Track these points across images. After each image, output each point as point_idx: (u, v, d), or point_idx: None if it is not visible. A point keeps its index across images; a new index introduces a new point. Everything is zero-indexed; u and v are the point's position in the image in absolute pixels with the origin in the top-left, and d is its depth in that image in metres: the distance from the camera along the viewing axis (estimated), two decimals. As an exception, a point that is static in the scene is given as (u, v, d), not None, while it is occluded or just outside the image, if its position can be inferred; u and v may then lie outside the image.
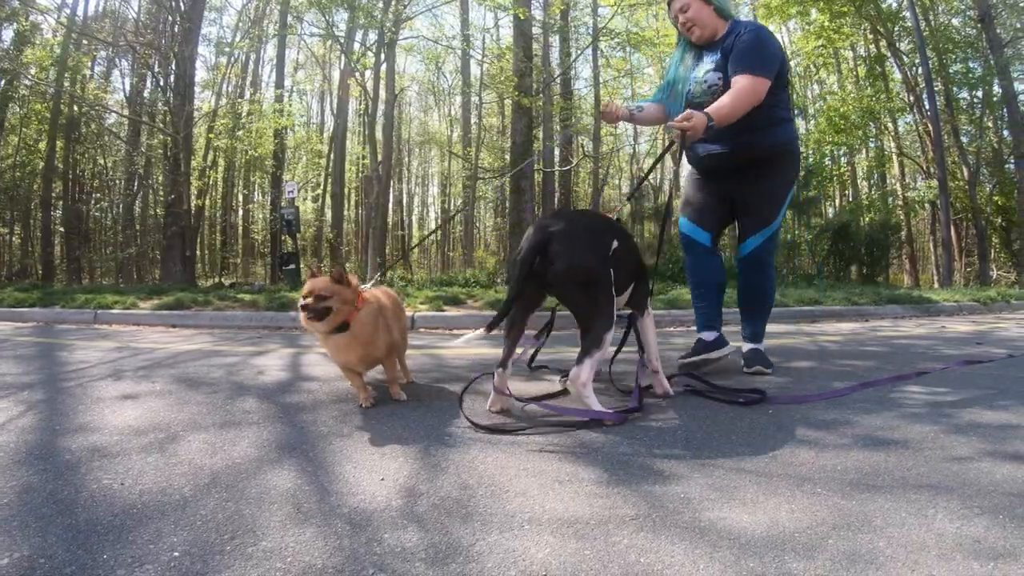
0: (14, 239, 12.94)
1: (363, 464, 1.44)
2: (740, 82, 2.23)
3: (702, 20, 2.41)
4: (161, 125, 9.21)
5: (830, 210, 14.03)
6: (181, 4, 9.55)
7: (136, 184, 12.14)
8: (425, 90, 23.68)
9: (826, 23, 12.75)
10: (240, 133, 11.21)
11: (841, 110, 13.18)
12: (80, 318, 5.74)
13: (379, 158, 8.87)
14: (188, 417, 1.91)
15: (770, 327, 2.98)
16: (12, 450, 1.56)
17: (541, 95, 9.93)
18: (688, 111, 2.10)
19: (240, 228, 18.47)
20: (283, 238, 11.53)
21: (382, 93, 9.63)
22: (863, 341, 4.01)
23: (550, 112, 11.93)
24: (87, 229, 12.77)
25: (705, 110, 2.13)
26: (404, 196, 25.71)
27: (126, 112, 11.76)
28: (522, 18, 8.21)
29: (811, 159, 13.24)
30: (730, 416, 1.88)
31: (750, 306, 2.65)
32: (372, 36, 9.42)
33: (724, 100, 2.19)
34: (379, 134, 9.37)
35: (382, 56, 8.31)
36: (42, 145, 12.09)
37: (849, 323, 5.30)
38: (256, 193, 18.30)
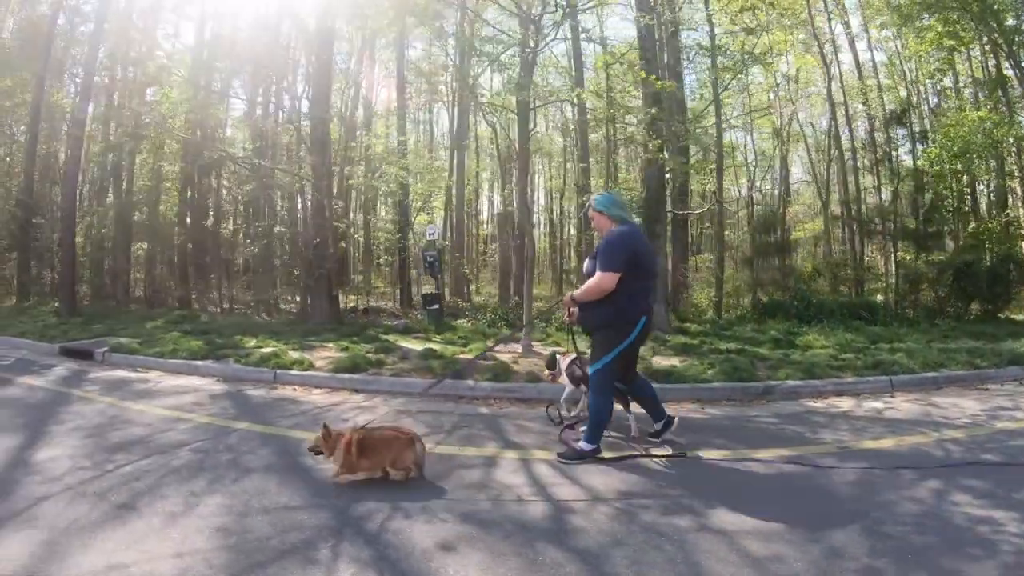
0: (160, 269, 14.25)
1: None
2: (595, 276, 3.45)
3: (599, 225, 3.73)
4: (294, 172, 9.98)
5: (949, 243, 13.28)
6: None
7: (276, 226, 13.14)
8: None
9: (940, 28, 12.15)
10: (377, 176, 11.98)
11: (959, 133, 12.53)
12: (259, 377, 6.16)
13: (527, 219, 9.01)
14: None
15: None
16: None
17: (670, 150, 9.92)
18: (566, 294, 3.82)
19: (360, 244, 19.12)
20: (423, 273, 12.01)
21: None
22: (983, 441, 3.92)
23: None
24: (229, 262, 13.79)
25: (573, 295, 3.67)
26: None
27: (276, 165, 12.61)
28: (659, 87, 8.32)
29: (929, 193, 12.82)
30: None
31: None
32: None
33: (582, 287, 3.55)
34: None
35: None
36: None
37: (970, 398, 5.21)
38: (379, 209, 19.03)
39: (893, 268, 13.22)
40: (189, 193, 13.62)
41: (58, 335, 8.98)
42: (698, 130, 12.92)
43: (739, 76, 12.08)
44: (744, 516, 2.72)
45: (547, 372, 4.76)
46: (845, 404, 5.03)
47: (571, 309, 3.75)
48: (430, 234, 10.01)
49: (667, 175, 10.61)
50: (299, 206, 12.50)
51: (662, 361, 6.41)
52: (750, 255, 15.32)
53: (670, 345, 7.63)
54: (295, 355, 6.82)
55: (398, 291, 15.77)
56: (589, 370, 3.58)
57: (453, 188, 16.50)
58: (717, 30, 14.20)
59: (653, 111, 8.85)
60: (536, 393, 5.29)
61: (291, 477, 3.29)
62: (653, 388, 3.98)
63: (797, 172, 21.24)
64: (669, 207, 12.09)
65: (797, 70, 16.79)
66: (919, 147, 13.80)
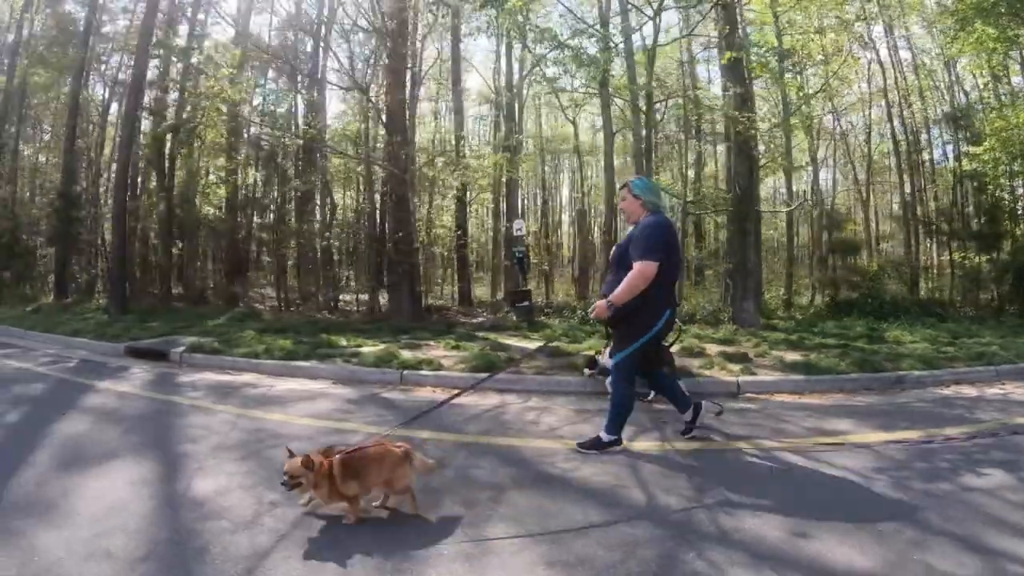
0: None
1: None
2: (634, 267, 3.16)
3: (630, 210, 3.42)
4: (386, 164, 9.20)
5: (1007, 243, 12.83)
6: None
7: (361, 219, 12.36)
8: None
9: (992, 31, 11.62)
10: (458, 171, 11.20)
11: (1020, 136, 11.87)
12: (384, 379, 5.46)
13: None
14: None
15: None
16: None
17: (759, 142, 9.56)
18: (597, 303, 3.31)
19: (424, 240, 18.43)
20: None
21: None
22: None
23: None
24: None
25: (608, 297, 3.21)
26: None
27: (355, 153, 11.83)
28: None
29: (988, 194, 12.74)
30: None
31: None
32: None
33: (620, 286, 3.18)
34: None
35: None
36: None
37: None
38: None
39: (950, 268, 13.37)
40: (241, 186, 12.84)
41: (118, 334, 8.17)
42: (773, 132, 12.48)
43: (812, 95, 11.92)
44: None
45: (587, 371, 4.79)
46: (969, 391, 5.03)
47: (595, 314, 3.38)
48: (517, 229, 9.29)
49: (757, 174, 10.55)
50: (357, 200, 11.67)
51: (786, 355, 6.15)
52: (823, 254, 14.94)
53: (771, 340, 7.28)
54: (408, 355, 6.10)
55: (455, 288, 14.92)
56: (611, 361, 3.45)
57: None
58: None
59: (748, 116, 8.81)
60: (693, 388, 4.90)
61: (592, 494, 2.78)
62: (677, 379, 3.86)
63: (826, 173, 20.81)
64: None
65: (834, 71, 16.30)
66: (972, 148, 13.13)
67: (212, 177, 14.24)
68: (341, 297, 12.48)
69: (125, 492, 2.76)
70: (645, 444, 3.56)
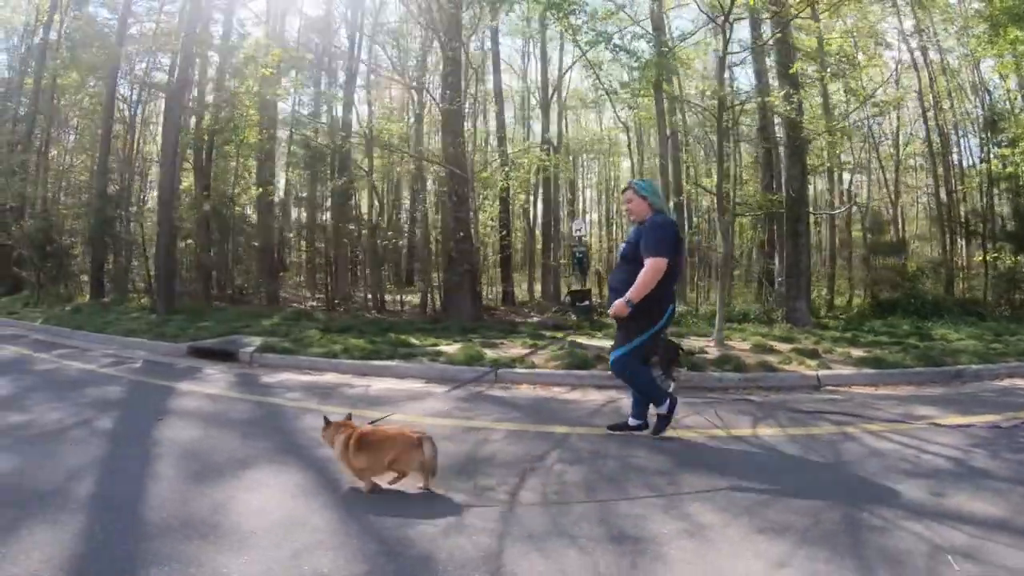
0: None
1: None
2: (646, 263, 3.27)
3: (637, 209, 3.49)
4: (448, 164, 8.93)
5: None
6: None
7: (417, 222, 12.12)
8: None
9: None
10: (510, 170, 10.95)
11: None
12: (477, 377, 5.21)
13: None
14: None
15: None
16: None
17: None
18: (615, 303, 3.36)
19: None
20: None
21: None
22: None
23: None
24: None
25: (626, 295, 3.29)
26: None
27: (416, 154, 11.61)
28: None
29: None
30: None
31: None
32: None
33: (636, 283, 3.27)
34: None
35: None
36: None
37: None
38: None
39: (983, 268, 13.42)
40: (283, 186, 12.63)
41: (175, 333, 7.96)
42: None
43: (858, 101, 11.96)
44: None
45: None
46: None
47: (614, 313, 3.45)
48: (577, 229, 9.16)
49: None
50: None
51: (851, 351, 6.34)
52: (864, 255, 15.09)
53: (829, 338, 7.47)
54: (491, 353, 5.95)
55: (497, 289, 14.64)
56: (614, 353, 3.51)
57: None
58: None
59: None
60: (778, 381, 5.23)
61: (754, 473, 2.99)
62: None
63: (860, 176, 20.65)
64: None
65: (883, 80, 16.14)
66: (1002, 151, 13.45)
67: (252, 176, 14.07)
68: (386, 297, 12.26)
69: (292, 504, 2.51)
70: (768, 431, 3.75)
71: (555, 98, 16.61)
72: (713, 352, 6.33)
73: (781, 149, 11.69)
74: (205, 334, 7.83)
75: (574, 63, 10.71)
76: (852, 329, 8.68)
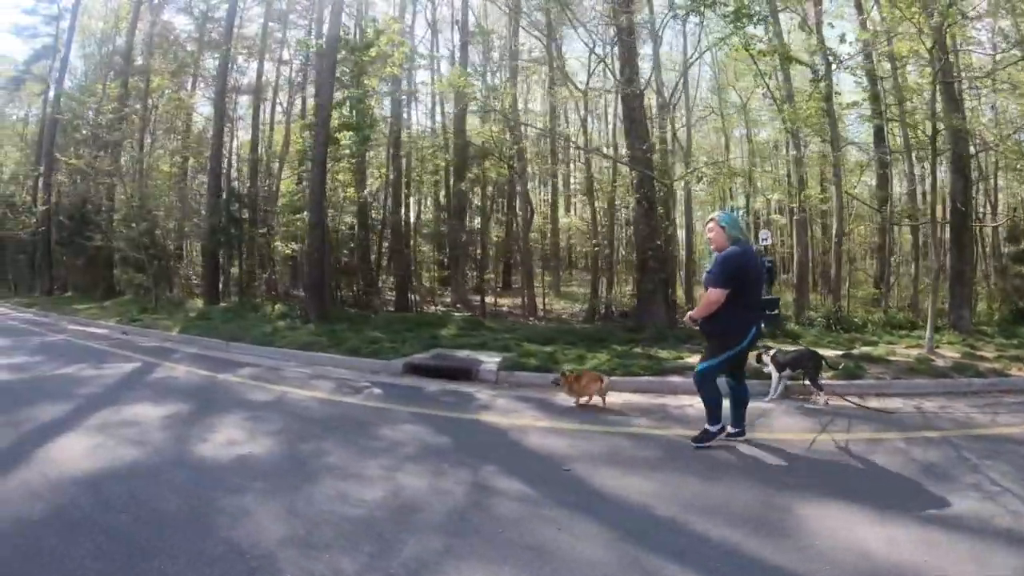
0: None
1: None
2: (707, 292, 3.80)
3: (716, 239, 3.82)
4: (644, 169, 8.54)
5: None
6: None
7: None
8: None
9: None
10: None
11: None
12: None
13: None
14: None
15: None
16: None
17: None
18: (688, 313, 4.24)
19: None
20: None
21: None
22: None
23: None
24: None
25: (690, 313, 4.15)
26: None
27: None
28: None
29: None
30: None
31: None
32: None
33: (699, 304, 4.00)
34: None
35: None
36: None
37: None
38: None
39: None
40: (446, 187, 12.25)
41: (358, 346, 7.46)
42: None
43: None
44: None
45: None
46: None
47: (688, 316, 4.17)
48: (763, 239, 9.36)
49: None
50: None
51: None
52: (1002, 264, 14.99)
53: (998, 343, 7.79)
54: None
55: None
56: (700, 366, 3.82)
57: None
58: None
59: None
60: (1010, 385, 5.40)
61: None
62: (748, 397, 4.03)
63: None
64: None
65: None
66: None
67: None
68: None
69: None
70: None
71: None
72: (939, 360, 6.41)
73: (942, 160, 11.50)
74: (407, 348, 7.32)
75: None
76: (1010, 335, 8.98)
